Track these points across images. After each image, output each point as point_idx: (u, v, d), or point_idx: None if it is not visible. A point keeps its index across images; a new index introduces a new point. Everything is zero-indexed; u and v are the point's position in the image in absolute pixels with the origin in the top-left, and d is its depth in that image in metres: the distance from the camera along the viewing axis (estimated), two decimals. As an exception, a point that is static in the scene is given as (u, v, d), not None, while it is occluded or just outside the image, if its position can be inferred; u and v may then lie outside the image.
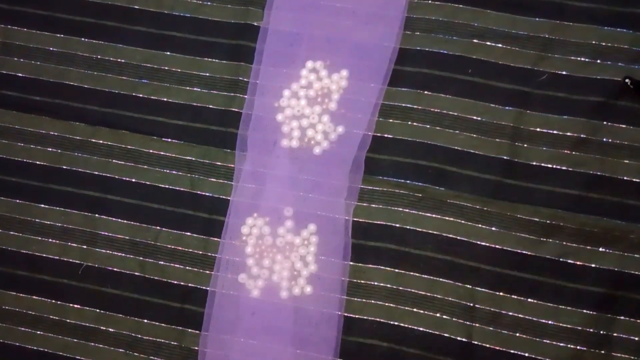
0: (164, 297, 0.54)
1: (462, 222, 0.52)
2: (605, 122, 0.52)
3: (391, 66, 0.54)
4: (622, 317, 0.50)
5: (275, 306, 0.52)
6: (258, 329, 0.52)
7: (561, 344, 0.50)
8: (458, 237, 0.52)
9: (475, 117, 0.53)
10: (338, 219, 0.52)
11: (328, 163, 0.53)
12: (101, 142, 0.56)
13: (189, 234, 0.54)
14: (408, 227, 0.52)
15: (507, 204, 0.52)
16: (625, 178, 0.51)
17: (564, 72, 0.53)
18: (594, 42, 0.53)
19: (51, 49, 0.58)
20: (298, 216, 0.53)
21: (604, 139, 0.52)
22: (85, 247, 0.55)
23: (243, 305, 0.53)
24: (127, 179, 0.55)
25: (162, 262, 0.54)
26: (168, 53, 0.57)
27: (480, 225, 0.52)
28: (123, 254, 0.54)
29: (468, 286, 0.51)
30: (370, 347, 0.51)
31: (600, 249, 0.51)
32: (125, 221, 0.55)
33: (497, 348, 0.50)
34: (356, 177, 0.53)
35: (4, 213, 0.56)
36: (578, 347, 0.50)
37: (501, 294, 0.51)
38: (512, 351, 0.50)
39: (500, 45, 0.54)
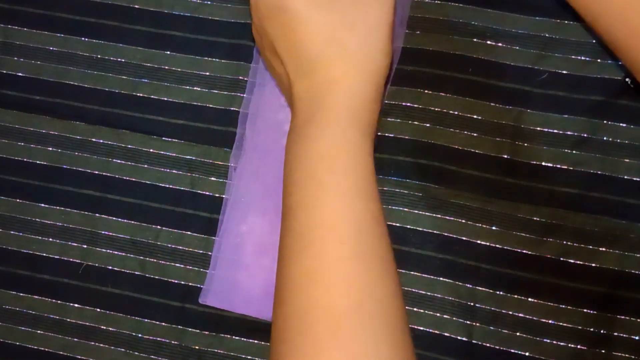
0: (164, 296, 0.54)
1: (463, 221, 0.52)
2: (605, 121, 0.52)
3: (394, 66, 0.54)
4: (622, 317, 0.50)
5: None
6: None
7: (561, 344, 0.50)
8: (458, 237, 0.52)
9: (475, 116, 0.53)
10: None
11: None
12: (101, 141, 0.56)
13: (189, 233, 0.54)
14: (408, 226, 0.52)
15: (508, 203, 0.52)
16: (625, 177, 0.51)
17: (564, 71, 0.53)
18: (594, 41, 0.53)
19: (51, 48, 0.58)
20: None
21: (605, 138, 0.52)
22: (85, 246, 0.55)
23: (238, 305, 0.53)
24: (128, 178, 0.56)
25: (162, 262, 0.54)
26: (168, 52, 0.57)
27: (480, 225, 0.52)
28: (123, 254, 0.54)
29: (468, 285, 0.51)
30: (370, 347, 0.51)
31: (601, 248, 0.51)
32: (125, 220, 0.55)
33: (498, 347, 0.50)
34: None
35: (4, 212, 0.56)
36: (578, 347, 0.50)
37: (501, 293, 0.51)
38: (512, 350, 0.50)
39: (500, 44, 0.54)
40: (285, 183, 0.45)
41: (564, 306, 0.50)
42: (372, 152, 0.45)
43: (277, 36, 0.46)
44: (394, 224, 0.52)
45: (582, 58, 0.53)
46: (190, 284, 0.54)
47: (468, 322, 0.51)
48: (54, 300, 0.54)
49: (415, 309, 0.51)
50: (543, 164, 0.52)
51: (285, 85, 0.48)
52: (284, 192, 0.45)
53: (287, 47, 0.46)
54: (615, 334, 0.50)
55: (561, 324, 0.50)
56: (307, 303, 0.39)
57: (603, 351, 0.49)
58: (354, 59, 0.45)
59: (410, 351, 0.40)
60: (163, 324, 0.53)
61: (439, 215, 0.52)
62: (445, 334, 0.51)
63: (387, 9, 0.46)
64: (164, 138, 0.56)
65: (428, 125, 0.53)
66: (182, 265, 0.54)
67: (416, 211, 0.52)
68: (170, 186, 0.55)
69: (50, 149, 0.56)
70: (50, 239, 0.55)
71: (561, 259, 0.51)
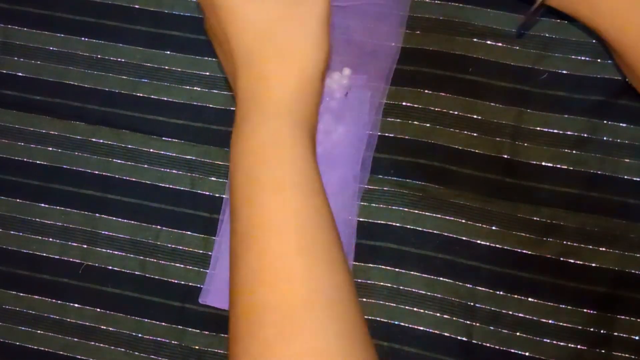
0: (164, 296, 0.54)
1: (463, 221, 0.52)
2: (605, 121, 0.52)
3: (393, 65, 0.54)
4: (622, 317, 0.50)
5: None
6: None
7: (561, 343, 0.50)
8: (458, 237, 0.52)
9: (475, 116, 0.53)
10: (341, 219, 0.52)
11: (330, 162, 0.53)
12: (101, 141, 0.56)
13: (189, 233, 0.54)
14: (408, 226, 0.52)
15: (508, 203, 0.52)
16: (625, 177, 0.51)
17: (564, 71, 0.53)
18: (594, 41, 0.53)
19: (51, 48, 0.58)
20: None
21: (605, 138, 0.52)
22: (85, 246, 0.55)
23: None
24: (128, 178, 0.56)
25: (162, 262, 0.54)
26: (168, 52, 0.57)
27: (480, 225, 0.52)
28: (123, 253, 0.54)
29: (468, 285, 0.51)
30: (370, 347, 0.51)
31: (601, 248, 0.51)
32: (125, 220, 0.55)
33: (498, 347, 0.50)
34: (361, 177, 0.53)
35: (4, 212, 0.56)
36: (578, 347, 0.50)
37: (501, 293, 0.51)
38: (512, 350, 0.50)
39: (500, 44, 0.54)
40: (229, 184, 0.44)
41: (564, 306, 0.50)
42: (312, 144, 0.44)
43: (224, 32, 0.46)
44: (394, 224, 0.52)
45: (582, 58, 0.53)
46: (190, 284, 0.54)
47: (468, 322, 0.51)
48: (54, 300, 0.54)
49: (415, 309, 0.51)
50: (543, 164, 0.52)
51: (233, 84, 0.47)
52: (229, 193, 0.44)
53: (233, 42, 0.45)
54: (615, 334, 0.50)
55: (561, 324, 0.50)
56: (254, 303, 0.39)
57: (603, 351, 0.49)
58: (285, 53, 0.44)
59: (363, 339, 0.40)
60: (163, 324, 0.53)
61: (439, 215, 0.52)
62: (445, 334, 0.51)
63: (321, 1, 0.45)
64: (164, 138, 0.56)
65: (428, 125, 0.53)
66: (182, 265, 0.54)
67: (416, 211, 0.52)
68: (170, 186, 0.55)
69: (50, 149, 0.56)
70: (50, 239, 0.55)
71: (561, 259, 0.51)
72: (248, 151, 0.43)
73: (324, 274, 0.40)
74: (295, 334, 0.38)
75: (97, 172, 0.56)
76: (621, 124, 0.52)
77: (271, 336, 0.38)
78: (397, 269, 0.52)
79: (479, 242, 0.52)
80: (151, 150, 0.56)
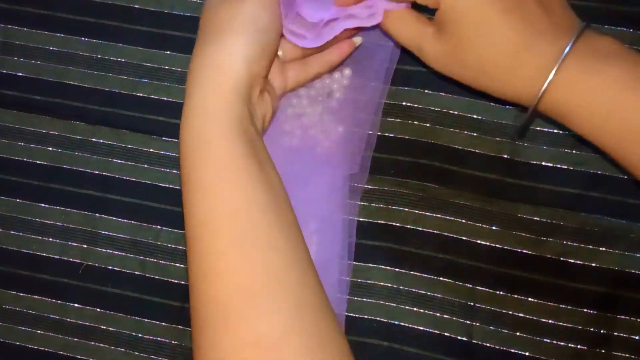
0: (164, 296, 0.54)
1: (463, 221, 0.52)
2: (605, 121, 0.52)
3: (393, 65, 0.54)
4: (622, 317, 0.50)
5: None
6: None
7: (561, 343, 0.50)
8: (458, 237, 0.52)
9: (476, 116, 0.53)
10: (340, 218, 0.52)
11: (330, 162, 0.53)
12: (101, 141, 0.56)
13: (189, 233, 0.54)
14: (408, 226, 0.52)
15: (508, 203, 0.52)
16: (625, 177, 0.51)
17: (564, 71, 0.53)
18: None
19: (51, 48, 0.58)
20: (299, 215, 0.53)
21: (605, 138, 0.52)
22: (85, 246, 0.55)
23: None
24: (128, 178, 0.56)
25: (162, 262, 0.54)
26: (168, 52, 0.57)
27: (480, 225, 0.52)
28: (124, 253, 0.54)
29: (468, 285, 0.51)
30: (370, 347, 0.51)
31: (601, 248, 0.51)
32: (125, 220, 0.55)
33: (498, 347, 0.50)
34: (360, 177, 0.53)
35: (4, 212, 0.56)
36: (578, 347, 0.50)
37: (501, 293, 0.51)
38: (512, 350, 0.50)
39: (500, 44, 0.54)
40: None
41: (564, 306, 0.50)
42: (244, 139, 0.44)
43: None
44: (394, 224, 0.52)
45: (582, 58, 0.53)
46: (190, 284, 0.54)
47: (468, 322, 0.51)
48: (54, 300, 0.54)
49: (415, 309, 0.51)
50: (543, 164, 0.52)
51: None
52: None
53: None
54: (615, 334, 0.50)
55: (561, 324, 0.50)
56: (200, 299, 0.41)
57: (603, 351, 0.49)
58: (214, 48, 0.45)
59: (317, 315, 0.41)
60: (163, 324, 0.53)
61: (439, 215, 0.52)
62: (445, 334, 0.51)
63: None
64: (164, 138, 0.56)
65: (428, 125, 0.53)
66: (182, 265, 0.54)
67: (416, 211, 0.52)
68: (170, 186, 0.55)
69: (50, 149, 0.56)
70: (50, 239, 0.55)
71: (561, 259, 0.51)
72: (181, 154, 0.44)
73: (260, 259, 0.41)
74: (238, 322, 0.40)
75: (97, 172, 0.56)
76: (621, 124, 0.52)
77: (218, 327, 0.40)
78: (397, 269, 0.52)
79: (479, 242, 0.52)
80: (151, 150, 0.56)
